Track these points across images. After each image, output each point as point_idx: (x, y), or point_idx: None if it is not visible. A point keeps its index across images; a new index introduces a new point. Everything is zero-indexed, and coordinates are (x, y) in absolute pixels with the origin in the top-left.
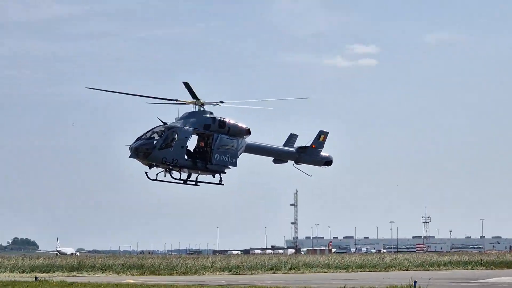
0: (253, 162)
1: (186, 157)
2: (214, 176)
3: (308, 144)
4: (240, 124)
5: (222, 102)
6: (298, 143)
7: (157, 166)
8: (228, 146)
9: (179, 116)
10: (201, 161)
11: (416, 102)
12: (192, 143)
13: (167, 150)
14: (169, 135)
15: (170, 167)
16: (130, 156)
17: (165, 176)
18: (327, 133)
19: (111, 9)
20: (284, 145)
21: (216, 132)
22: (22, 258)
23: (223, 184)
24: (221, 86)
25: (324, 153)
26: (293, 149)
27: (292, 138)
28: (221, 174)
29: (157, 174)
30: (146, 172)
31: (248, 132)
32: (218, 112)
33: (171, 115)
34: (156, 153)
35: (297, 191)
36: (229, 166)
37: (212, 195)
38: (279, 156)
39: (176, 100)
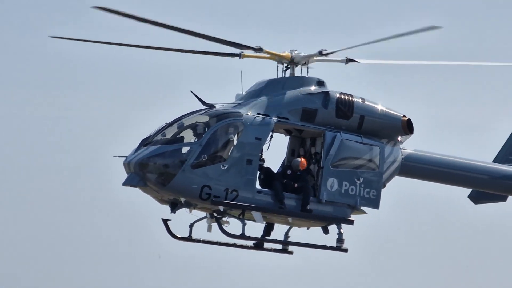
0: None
1: (259, 185)
2: (326, 231)
3: None
4: (388, 109)
5: (349, 60)
6: None
7: (189, 205)
8: (362, 160)
9: (245, 91)
10: (296, 196)
11: None
12: (274, 153)
13: (214, 168)
14: (219, 136)
15: (222, 209)
16: (125, 183)
17: (210, 230)
18: None
19: None
20: (498, 160)
21: (332, 126)
22: None
23: (346, 250)
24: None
25: None
26: None
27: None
28: (340, 224)
29: (191, 226)
30: (165, 222)
31: (408, 125)
32: (333, 82)
33: (227, 90)
34: (185, 176)
35: None
36: (362, 208)
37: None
38: (485, 187)
39: (259, 48)
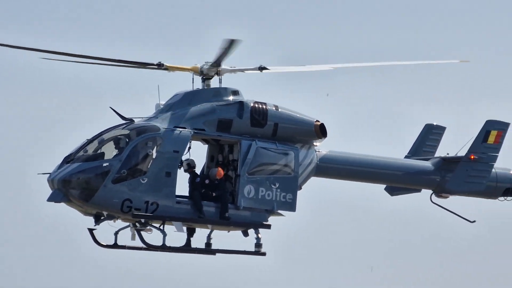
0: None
1: (176, 197)
2: (246, 234)
3: (463, 153)
4: (301, 115)
5: (263, 68)
6: (443, 149)
7: (111, 217)
8: (277, 165)
9: (163, 103)
10: (215, 204)
11: None
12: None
13: (134, 182)
14: (137, 150)
15: (143, 221)
16: (50, 199)
17: (133, 239)
18: (507, 125)
19: None
20: (410, 155)
21: (247, 134)
22: None
23: (264, 254)
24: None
25: (501, 167)
26: (429, 165)
27: (428, 136)
28: (258, 228)
29: (116, 234)
30: (91, 231)
31: (321, 129)
32: (246, 90)
33: (144, 104)
34: (107, 192)
35: None
36: (278, 211)
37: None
38: (398, 182)
39: (159, 64)
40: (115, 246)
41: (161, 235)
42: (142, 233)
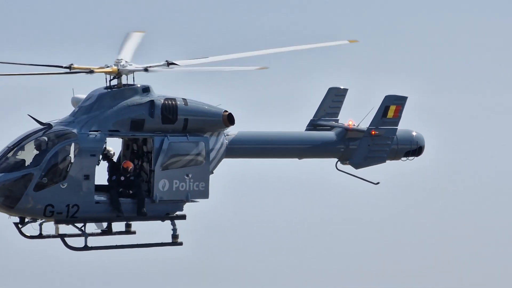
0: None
1: (96, 197)
2: (163, 221)
3: (363, 124)
4: (209, 107)
5: (170, 63)
6: (346, 114)
7: (35, 220)
8: (189, 157)
9: (79, 96)
10: (133, 200)
11: None
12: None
13: (54, 188)
14: (56, 158)
15: (63, 223)
16: None
17: (57, 232)
18: (404, 99)
19: None
20: (316, 119)
21: (159, 131)
22: None
23: (181, 244)
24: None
25: (402, 132)
26: (333, 136)
27: (331, 99)
28: (173, 220)
29: (41, 225)
30: (17, 225)
31: (229, 119)
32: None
33: (58, 109)
34: (29, 199)
35: None
36: (192, 200)
37: None
38: (304, 155)
39: (71, 66)
40: (40, 236)
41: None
42: (66, 238)
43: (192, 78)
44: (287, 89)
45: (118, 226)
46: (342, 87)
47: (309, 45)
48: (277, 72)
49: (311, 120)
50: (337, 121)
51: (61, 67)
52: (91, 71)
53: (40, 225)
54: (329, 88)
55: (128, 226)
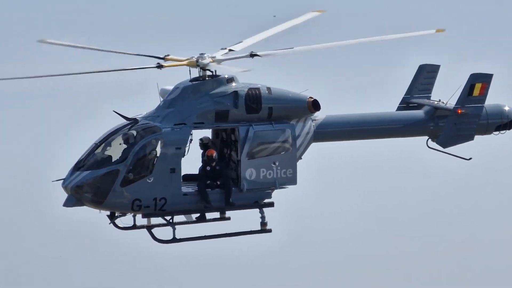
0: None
1: (183, 189)
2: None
3: (449, 102)
4: (293, 94)
5: (254, 55)
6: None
7: (124, 214)
8: (275, 144)
9: (167, 87)
10: (221, 190)
11: None
12: (193, 154)
13: (141, 183)
14: (141, 153)
15: (152, 215)
16: (65, 204)
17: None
18: (490, 76)
19: None
20: (409, 96)
21: (244, 121)
22: None
23: (270, 231)
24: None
25: (493, 107)
26: (422, 114)
27: (421, 76)
28: (262, 208)
29: (134, 216)
30: (111, 218)
31: (313, 105)
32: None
33: (143, 104)
34: (116, 195)
35: None
36: (280, 187)
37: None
38: (394, 134)
39: (159, 66)
40: (134, 227)
41: (170, 229)
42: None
43: (283, 65)
44: (374, 70)
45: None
46: (433, 64)
47: (395, 35)
48: (365, 54)
49: (403, 97)
50: (429, 97)
51: (157, 57)
52: (176, 65)
53: (134, 216)
54: (420, 65)
55: (222, 212)
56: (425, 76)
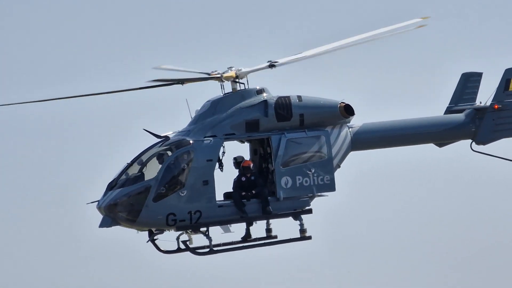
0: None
1: (218, 200)
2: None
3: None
4: (325, 100)
5: (272, 64)
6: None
7: (161, 231)
8: (310, 152)
9: (194, 115)
10: (255, 200)
11: None
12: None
13: (174, 197)
14: (172, 167)
15: (189, 230)
16: (101, 225)
17: (191, 243)
18: None
19: None
20: (453, 105)
21: (276, 129)
22: None
23: (309, 238)
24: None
25: None
26: (462, 117)
27: (466, 87)
28: (300, 215)
29: (178, 239)
30: (152, 237)
31: (346, 110)
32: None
33: (175, 121)
34: (150, 211)
35: None
36: (318, 194)
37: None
38: (435, 139)
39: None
40: (179, 250)
41: (218, 239)
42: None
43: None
44: (414, 79)
45: (259, 231)
46: (476, 71)
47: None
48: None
49: (447, 107)
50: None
51: (173, 81)
52: (207, 77)
53: (177, 238)
54: (463, 74)
55: (268, 231)
56: (469, 83)
